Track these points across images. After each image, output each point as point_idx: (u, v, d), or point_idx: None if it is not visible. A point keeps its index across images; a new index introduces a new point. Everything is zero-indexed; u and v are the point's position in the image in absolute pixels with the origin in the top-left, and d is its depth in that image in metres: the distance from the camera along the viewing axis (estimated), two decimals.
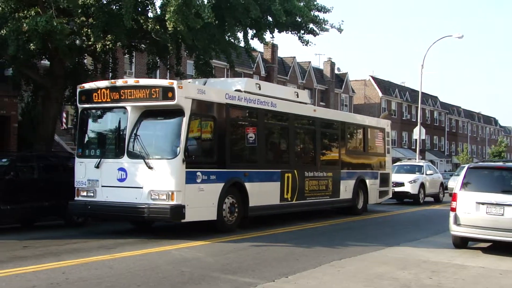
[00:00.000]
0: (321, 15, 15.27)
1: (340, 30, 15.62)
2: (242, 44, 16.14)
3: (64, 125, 12.38)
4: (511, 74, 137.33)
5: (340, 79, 53.49)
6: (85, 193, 11.19)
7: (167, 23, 12.51)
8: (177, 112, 10.37)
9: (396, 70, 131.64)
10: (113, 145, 11.33)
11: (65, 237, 10.74)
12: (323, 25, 15.31)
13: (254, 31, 15.58)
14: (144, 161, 10.33)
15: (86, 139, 11.89)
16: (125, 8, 12.68)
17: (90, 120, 11.74)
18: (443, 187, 24.54)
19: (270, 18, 15.01)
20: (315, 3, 15.21)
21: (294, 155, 14.16)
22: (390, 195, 18.87)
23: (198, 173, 10.48)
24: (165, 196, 10.14)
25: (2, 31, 12.77)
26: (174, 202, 10.06)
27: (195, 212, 10.47)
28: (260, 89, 13.22)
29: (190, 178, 10.29)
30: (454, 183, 22.87)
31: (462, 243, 10.42)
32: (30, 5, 14.11)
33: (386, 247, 10.27)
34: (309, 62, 48.36)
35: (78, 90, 11.59)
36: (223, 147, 11.38)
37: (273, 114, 13.62)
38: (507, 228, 9.44)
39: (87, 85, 11.64)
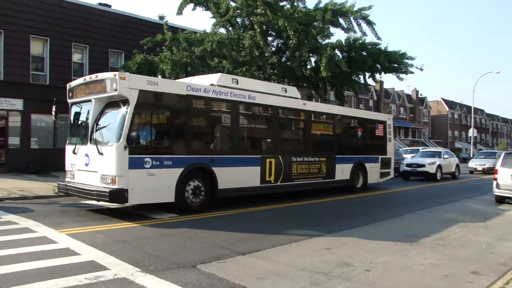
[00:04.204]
0: (409, 61, 25.02)
1: (421, 69, 25.35)
2: (362, 81, 26.49)
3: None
4: None
5: (421, 100, 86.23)
6: (68, 175, 12.31)
7: (319, 72, 22.97)
8: (124, 102, 10.80)
9: (458, 90, 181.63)
10: (84, 133, 11.79)
11: None
12: (410, 68, 24.99)
13: (369, 74, 25.79)
14: (97, 147, 10.93)
15: (71, 128, 12.78)
16: (295, 64, 23.44)
17: (73, 113, 12.51)
18: (459, 167, 29.27)
19: (378, 66, 24.97)
20: (406, 55, 24.95)
21: (278, 143, 15.05)
22: (392, 176, 21.33)
23: (147, 159, 10.82)
24: (109, 180, 10.59)
25: None
26: (116, 186, 10.42)
27: (144, 195, 10.85)
28: (237, 83, 13.95)
29: (136, 164, 10.60)
30: (473, 164, 30.72)
31: (501, 200, 15.42)
32: (243, 65, 25.25)
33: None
34: (403, 90, 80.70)
35: (67, 87, 12.72)
36: (182, 135, 11.83)
37: (250, 106, 14.23)
38: None
39: (72, 83, 12.65)
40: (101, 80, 11.29)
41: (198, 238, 8.88)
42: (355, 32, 24.22)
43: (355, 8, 23.43)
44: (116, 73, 10.90)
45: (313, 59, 24.89)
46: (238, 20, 25.24)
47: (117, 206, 12.44)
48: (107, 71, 23.57)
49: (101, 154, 10.79)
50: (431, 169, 25.58)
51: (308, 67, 25.03)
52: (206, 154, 12.47)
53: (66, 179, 12.31)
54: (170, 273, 6.37)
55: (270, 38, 25.70)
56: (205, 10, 24.89)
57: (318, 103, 19.72)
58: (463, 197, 17.30)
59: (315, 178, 16.27)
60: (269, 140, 15.05)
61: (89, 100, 11.61)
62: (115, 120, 10.92)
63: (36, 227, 9.61)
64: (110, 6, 29.11)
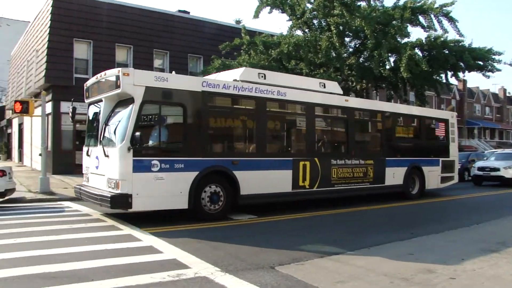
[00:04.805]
0: (496, 57, 23.59)
1: (511, 65, 23.73)
2: (444, 80, 25.37)
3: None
4: None
5: (509, 99, 79.27)
6: (84, 178, 11.88)
7: (399, 72, 22.28)
8: (130, 100, 10.11)
9: None
10: (96, 135, 11.24)
11: None
12: (497, 64, 23.56)
13: (452, 72, 24.64)
14: (103, 149, 10.44)
15: (87, 129, 12.45)
16: (374, 64, 22.91)
17: (89, 113, 12.08)
18: None
19: (461, 64, 23.83)
20: (493, 50, 23.59)
21: (314, 144, 13.72)
22: (456, 180, 19.09)
23: (155, 162, 10.00)
24: (113, 184, 9.95)
25: None
26: (119, 191, 9.76)
27: (151, 201, 10.05)
28: (265, 78, 12.77)
29: (141, 167, 9.83)
30: None
31: None
32: (320, 67, 24.98)
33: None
34: (488, 89, 73.88)
35: (84, 87, 12.37)
36: (197, 136, 10.85)
37: (279, 103, 12.93)
38: None
39: (88, 82, 12.21)
40: (108, 77, 10.73)
41: (276, 240, 8.91)
42: (435, 30, 23.30)
43: (436, 5, 22.52)
44: (120, 69, 10.18)
45: (392, 59, 24.25)
46: (315, 21, 25.10)
47: None
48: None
49: (107, 156, 10.26)
50: (507, 174, 22.61)
51: (387, 67, 24.42)
52: (226, 156, 11.49)
53: (83, 182, 11.95)
54: (249, 274, 6.43)
55: (347, 39, 25.34)
56: (281, 12, 24.98)
57: (364, 99, 17.96)
58: None
59: (360, 183, 14.67)
60: (303, 141, 13.76)
61: (101, 100, 11.12)
62: (122, 120, 10.28)
63: (122, 225, 10.08)
64: (188, 13, 30.05)
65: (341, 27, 23.40)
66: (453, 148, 18.90)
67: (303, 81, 14.66)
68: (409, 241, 8.98)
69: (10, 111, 37.31)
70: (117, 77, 10.08)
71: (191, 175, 10.58)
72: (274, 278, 6.27)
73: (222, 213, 11.17)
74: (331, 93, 14.45)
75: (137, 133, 9.68)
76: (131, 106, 10.01)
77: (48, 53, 23.43)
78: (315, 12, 23.92)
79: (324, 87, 14.43)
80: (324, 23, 24.63)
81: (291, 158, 12.80)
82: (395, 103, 21.65)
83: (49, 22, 23.99)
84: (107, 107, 10.91)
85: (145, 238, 8.71)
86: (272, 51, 23.02)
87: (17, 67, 35.42)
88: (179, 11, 29.71)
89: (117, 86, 10.09)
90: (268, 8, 24.61)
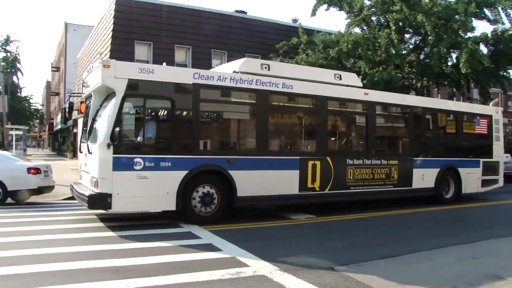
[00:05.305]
0: None
1: None
2: None
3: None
4: None
5: None
6: (79, 177, 11.44)
7: (460, 68, 21.40)
8: (113, 94, 9.53)
9: None
10: (85, 131, 10.82)
11: None
12: None
13: None
14: (88, 145, 10.04)
15: (82, 125, 11.89)
16: (434, 61, 22.14)
17: (85, 108, 11.50)
18: None
19: None
20: None
21: (326, 142, 12.51)
22: (500, 184, 17.01)
23: (138, 160, 9.34)
24: (94, 184, 9.47)
25: (364, 81, 23.27)
26: (98, 190, 9.26)
27: (133, 202, 9.43)
28: (269, 69, 11.66)
29: (122, 165, 9.23)
30: None
31: None
32: (379, 65, 24.32)
33: None
34: None
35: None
36: (187, 132, 10.08)
37: (285, 96, 11.86)
38: None
39: (83, 75, 11.64)
40: (94, 69, 10.17)
41: (335, 240, 8.85)
42: (503, 23, 22.21)
43: None
44: (101, 60, 9.62)
45: (454, 55, 23.38)
46: (373, 18, 24.62)
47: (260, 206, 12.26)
48: None
49: (91, 153, 9.80)
50: None
51: (449, 64, 23.55)
52: (220, 154, 10.55)
53: (78, 180, 11.49)
54: (308, 273, 6.38)
55: (407, 36, 24.67)
56: (339, 10, 24.67)
57: (387, 93, 15.39)
58: None
59: (382, 185, 13.20)
60: (313, 138, 12.48)
61: (90, 95, 10.69)
62: (105, 115, 9.73)
63: (182, 222, 10.24)
64: (245, 13, 30.27)
65: (400, 23, 22.84)
66: (498, 147, 16.89)
67: (315, 72, 13.44)
68: (470, 245, 8.60)
69: (76, 111, 38.93)
70: (99, 70, 9.54)
71: (180, 175, 9.84)
72: (334, 278, 6.19)
73: (215, 216, 10.30)
74: (348, 85, 13.13)
75: (117, 129, 9.10)
76: (112, 100, 9.48)
77: (111, 55, 24.24)
78: (373, 9, 23.46)
79: (340, 79, 13.11)
80: (383, 20, 24.14)
81: (298, 157, 11.68)
82: (426, 97, 19.24)
83: (112, 26, 24.93)
84: (95, 101, 10.45)
85: (205, 236, 8.84)
86: (331, 50, 22.77)
87: (83, 69, 36.90)
88: (236, 11, 29.99)
89: (99, 79, 9.58)
90: (325, 5, 24.38)
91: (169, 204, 9.78)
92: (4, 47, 51.93)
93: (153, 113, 9.97)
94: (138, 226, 9.78)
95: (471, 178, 15.72)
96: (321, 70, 14.43)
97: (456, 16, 21.67)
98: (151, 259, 6.97)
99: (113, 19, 24.90)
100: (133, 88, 9.44)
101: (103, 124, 9.54)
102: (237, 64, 11.56)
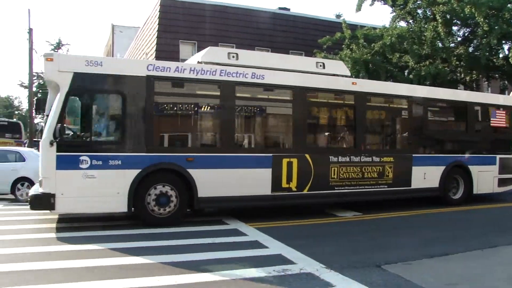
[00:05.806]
0: None
1: None
2: None
3: None
4: None
5: None
6: None
7: (510, 60, 20.64)
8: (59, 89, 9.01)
9: None
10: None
11: None
12: None
13: None
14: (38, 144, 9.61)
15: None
16: (482, 53, 21.33)
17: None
18: None
19: None
20: None
21: (304, 138, 11.35)
22: None
23: (84, 158, 8.82)
24: (40, 183, 9.01)
25: (410, 76, 22.95)
26: (41, 190, 8.82)
27: (79, 203, 8.90)
28: (237, 58, 10.86)
29: (66, 163, 8.73)
30: None
31: None
32: (426, 59, 23.83)
33: None
34: None
35: None
36: (139, 128, 9.38)
37: (255, 87, 10.96)
38: None
39: None
40: None
41: (381, 238, 8.75)
42: None
43: None
44: (44, 53, 9.11)
45: (506, 46, 22.52)
46: (419, 11, 24.02)
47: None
48: None
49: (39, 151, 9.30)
50: None
51: (501, 56, 22.70)
52: (177, 152, 9.80)
53: None
54: (355, 272, 6.33)
55: (455, 28, 23.92)
56: (383, 4, 24.23)
57: (382, 82, 14.43)
58: None
59: (374, 185, 11.87)
60: (289, 134, 11.30)
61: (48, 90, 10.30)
62: (52, 111, 9.13)
63: (228, 219, 10.37)
64: (289, 10, 30.21)
65: (448, 16, 22.18)
66: None
67: (294, 61, 12.47)
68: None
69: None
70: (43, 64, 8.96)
71: (131, 173, 9.19)
72: (381, 277, 6.13)
73: (174, 217, 9.62)
74: (334, 74, 12.01)
75: (58, 125, 8.62)
76: (58, 95, 8.99)
77: (157, 55, 24.76)
78: (419, 1, 22.91)
79: (324, 67, 11.94)
80: (429, 13, 23.52)
81: (271, 154, 10.62)
82: (431, 87, 16.04)
83: (157, 26, 25.43)
84: (51, 97, 9.93)
85: (250, 233, 8.92)
86: (375, 44, 22.41)
87: None
88: (280, 8, 29.99)
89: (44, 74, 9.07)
90: (370, 0, 24.01)
91: (120, 205, 9.20)
92: (56, 50, 53.78)
93: (101, 109, 9.62)
94: (188, 223, 9.82)
95: (485, 177, 14.02)
96: (302, 58, 13.46)
97: (509, 5, 20.82)
98: (200, 256, 7.07)
99: (158, 20, 25.41)
100: (79, 82, 8.93)
101: (48, 121, 9.12)
102: (200, 54, 10.98)
